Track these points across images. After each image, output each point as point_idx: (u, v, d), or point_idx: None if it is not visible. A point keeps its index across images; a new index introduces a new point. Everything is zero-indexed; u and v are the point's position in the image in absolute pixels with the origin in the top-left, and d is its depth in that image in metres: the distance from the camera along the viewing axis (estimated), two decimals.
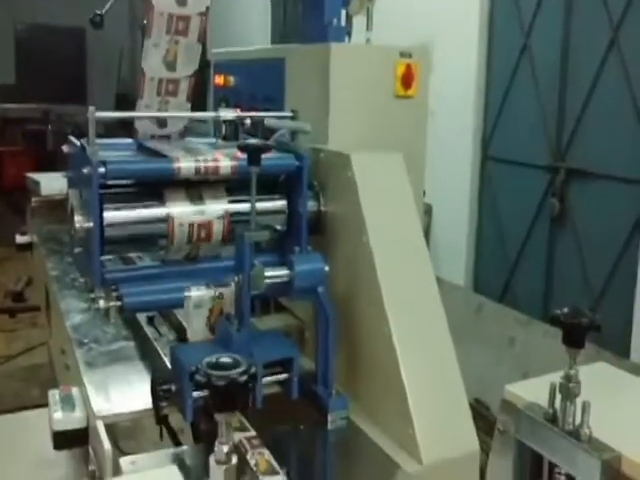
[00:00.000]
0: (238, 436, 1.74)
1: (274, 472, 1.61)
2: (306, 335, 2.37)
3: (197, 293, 1.94)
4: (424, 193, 2.62)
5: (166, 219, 1.97)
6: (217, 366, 1.00)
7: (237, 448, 1.70)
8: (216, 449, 1.00)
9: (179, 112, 2.22)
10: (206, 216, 2.01)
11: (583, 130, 4.52)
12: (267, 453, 1.67)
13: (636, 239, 4.06)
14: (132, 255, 2.37)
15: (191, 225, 1.98)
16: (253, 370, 1.00)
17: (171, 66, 2.13)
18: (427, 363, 1.99)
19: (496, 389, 1.78)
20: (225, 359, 1.03)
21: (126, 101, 11.60)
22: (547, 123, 4.75)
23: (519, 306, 4.74)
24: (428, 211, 5.42)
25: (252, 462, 1.63)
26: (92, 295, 1.89)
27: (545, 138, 4.77)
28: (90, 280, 1.93)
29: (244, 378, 0.98)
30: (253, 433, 1.74)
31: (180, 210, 1.98)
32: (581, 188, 4.53)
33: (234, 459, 1.00)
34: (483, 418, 3.34)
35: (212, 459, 1.00)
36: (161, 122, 2.21)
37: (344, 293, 2.12)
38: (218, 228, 2.03)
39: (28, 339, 5.20)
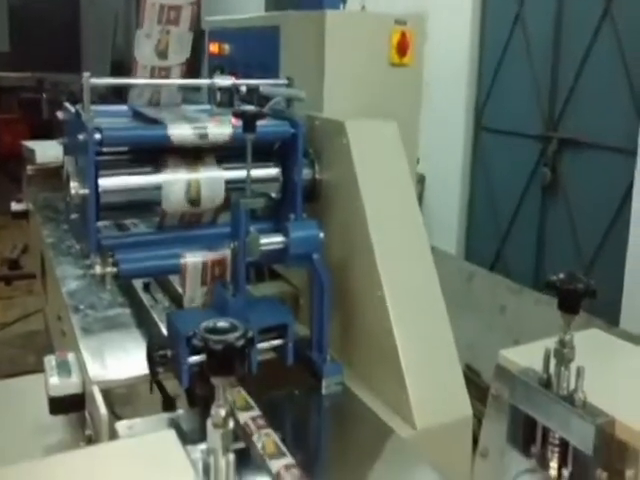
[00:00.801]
0: (244, 417, 1.75)
1: (281, 454, 1.61)
2: (301, 302, 2.38)
3: (192, 259, 1.94)
4: (418, 161, 2.62)
5: (161, 186, 1.96)
6: (214, 330, 1.01)
7: (243, 429, 1.71)
8: (213, 413, 1.01)
9: (174, 80, 2.20)
10: (202, 180, 2.00)
11: (575, 100, 4.52)
12: (273, 434, 1.67)
13: (627, 208, 4.07)
14: (127, 222, 2.37)
15: (187, 187, 1.97)
16: (250, 334, 1.01)
17: (163, 55, 2.13)
18: (421, 328, 2.01)
19: (487, 356, 1.79)
20: (222, 323, 1.03)
21: (121, 68, 11.50)
22: (540, 93, 4.75)
23: (510, 274, 4.77)
24: (421, 180, 5.42)
25: (259, 445, 1.63)
26: (88, 261, 1.89)
27: (538, 108, 4.76)
28: (86, 246, 1.93)
29: (241, 342, 0.98)
30: (258, 412, 1.75)
31: (175, 177, 1.98)
32: (573, 158, 4.54)
33: (231, 423, 1.01)
34: (474, 385, 3.38)
35: (209, 423, 1.01)
36: (154, 103, 2.21)
37: (339, 260, 2.13)
38: (213, 192, 2.02)
39: (24, 306, 5.21)
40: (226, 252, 1.96)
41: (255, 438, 1.65)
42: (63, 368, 2.01)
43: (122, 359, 2.05)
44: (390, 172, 2.17)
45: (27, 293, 5.34)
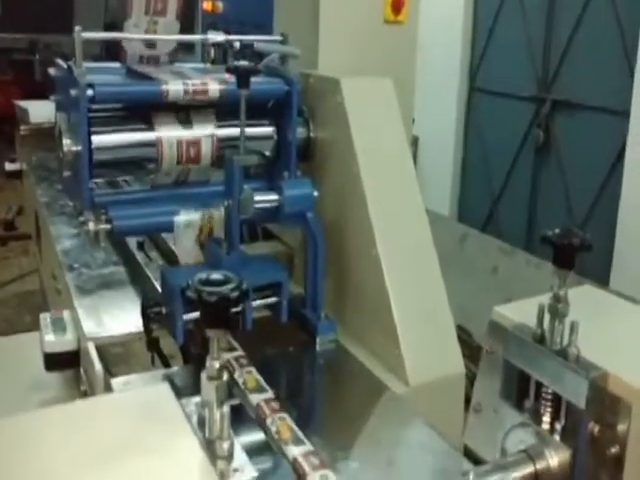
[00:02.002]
0: (226, 356, 1.77)
1: (262, 389, 1.63)
2: (295, 261, 2.38)
3: (186, 217, 1.93)
4: (413, 121, 2.61)
5: (155, 143, 1.95)
6: (208, 282, 1.00)
7: (225, 368, 1.73)
8: (207, 365, 1.01)
9: (168, 36, 2.17)
10: (195, 135, 1.98)
11: (569, 61, 4.50)
12: (254, 371, 1.69)
13: (619, 170, 4.08)
14: (121, 180, 2.35)
15: (180, 143, 1.96)
16: (245, 286, 1.01)
17: (151, 45, 2.12)
18: (414, 286, 2.01)
19: (479, 316, 1.80)
20: (216, 276, 1.03)
21: (114, 29, 11.30)
22: (534, 54, 4.72)
23: (503, 235, 4.78)
24: (414, 142, 5.40)
25: (240, 380, 1.66)
26: (81, 218, 1.88)
27: (532, 69, 4.74)
28: (79, 203, 1.92)
29: (236, 294, 0.98)
30: (241, 353, 1.77)
31: (169, 134, 1.96)
32: (566, 119, 4.53)
33: (225, 375, 1.02)
34: (466, 344, 3.39)
35: (203, 375, 1.01)
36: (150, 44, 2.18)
37: (333, 218, 2.13)
38: (207, 148, 2.01)
39: (20, 267, 5.21)
40: (220, 210, 1.95)
41: (237, 375, 1.69)
42: (58, 325, 2.02)
43: (117, 316, 2.05)
44: (385, 130, 2.15)
45: (22, 254, 5.33)
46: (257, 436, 1.57)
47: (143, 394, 1.16)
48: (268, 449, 1.52)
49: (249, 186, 1.92)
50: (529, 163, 4.75)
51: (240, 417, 1.67)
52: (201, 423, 1.04)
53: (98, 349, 1.89)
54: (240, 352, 1.77)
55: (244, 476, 0.97)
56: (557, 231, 1.33)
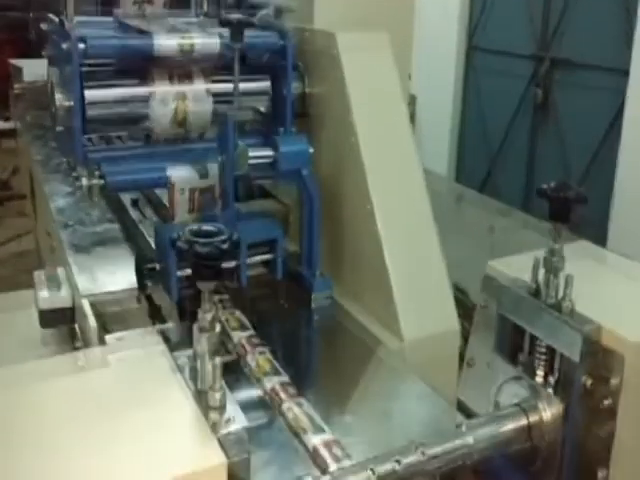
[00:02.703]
0: (238, 336, 1.76)
1: (276, 372, 1.62)
2: (291, 219, 2.37)
3: (180, 173, 1.92)
4: (410, 77, 2.58)
5: (148, 98, 1.92)
6: (199, 234, 0.99)
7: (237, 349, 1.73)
8: (199, 317, 1.00)
9: None
10: (189, 91, 1.96)
11: (569, 19, 4.45)
12: (268, 352, 1.68)
13: (617, 128, 4.05)
14: (115, 137, 2.33)
15: (174, 99, 1.93)
16: (236, 237, 1.00)
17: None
18: (410, 244, 2.00)
19: (474, 275, 1.80)
20: (208, 227, 1.02)
21: None
22: (533, 12, 4.67)
23: (500, 196, 4.77)
24: (412, 101, 5.36)
25: (252, 364, 1.64)
26: (74, 174, 1.86)
27: (531, 27, 4.69)
28: (72, 159, 1.90)
29: (227, 245, 0.97)
30: (252, 332, 1.76)
31: (163, 89, 1.94)
32: (565, 78, 4.49)
33: (217, 327, 1.01)
34: (461, 304, 3.39)
35: (195, 327, 1.01)
36: None
37: (328, 175, 2.12)
38: (201, 104, 1.98)
39: (16, 227, 5.18)
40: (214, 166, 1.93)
41: (249, 358, 1.67)
42: (53, 282, 2.01)
43: (111, 273, 2.04)
44: (381, 84, 2.12)
45: (18, 214, 5.30)
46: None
47: (136, 347, 1.16)
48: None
49: (244, 142, 1.90)
50: (527, 122, 4.72)
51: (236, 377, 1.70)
52: (193, 375, 1.03)
53: (93, 305, 1.88)
54: (251, 331, 1.76)
55: (236, 426, 0.96)
56: (552, 185, 1.32)
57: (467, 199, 4.75)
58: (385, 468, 1.21)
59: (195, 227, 1.01)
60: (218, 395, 0.99)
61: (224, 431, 0.95)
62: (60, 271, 2.06)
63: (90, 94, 1.86)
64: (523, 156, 4.76)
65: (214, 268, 0.98)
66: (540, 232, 1.35)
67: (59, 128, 1.93)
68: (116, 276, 2.02)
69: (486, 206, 4.59)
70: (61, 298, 1.96)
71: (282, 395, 1.53)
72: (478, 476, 1.48)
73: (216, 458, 0.91)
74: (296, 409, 1.48)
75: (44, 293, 1.96)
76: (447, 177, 5.26)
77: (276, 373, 1.62)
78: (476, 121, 5.19)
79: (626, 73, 3.94)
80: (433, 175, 4.93)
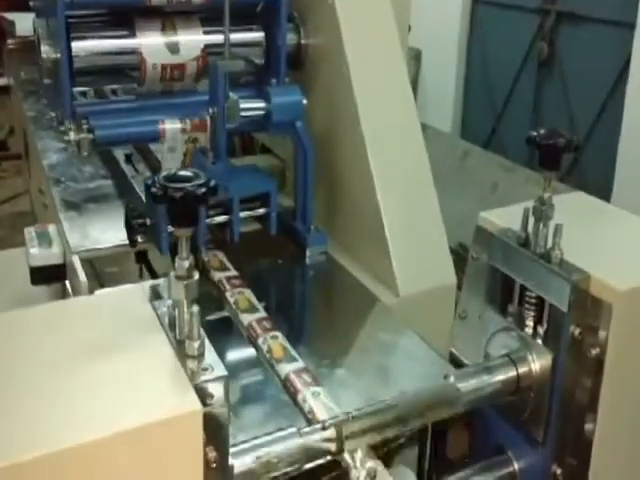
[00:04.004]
0: (218, 275, 1.75)
1: (254, 309, 1.61)
2: (287, 174, 2.34)
3: (171, 126, 1.89)
4: (409, 28, 2.53)
5: (137, 51, 1.89)
6: (175, 179, 0.97)
7: (217, 287, 1.72)
8: (176, 265, 0.98)
9: None
10: (179, 42, 1.92)
11: None
12: (248, 292, 1.67)
13: (623, 84, 3.99)
14: (109, 90, 2.29)
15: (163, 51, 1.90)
16: (213, 183, 0.97)
17: None
18: (406, 197, 1.97)
19: None
20: (184, 172, 0.99)
21: None
22: None
23: (505, 152, 4.73)
24: (417, 56, 5.29)
25: (231, 300, 1.63)
26: (62, 128, 1.84)
27: None
28: (60, 113, 1.88)
29: (202, 190, 0.95)
30: (234, 272, 1.75)
31: (151, 42, 1.90)
32: (570, 31, 4.42)
33: (196, 275, 0.99)
34: (464, 261, 3.38)
35: (172, 275, 0.99)
36: None
37: (324, 130, 2.08)
38: (192, 67, 1.95)
39: (13, 188, 5.15)
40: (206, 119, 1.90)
41: (228, 295, 1.68)
42: (43, 239, 1.99)
43: (103, 229, 2.02)
44: (379, 36, 2.08)
45: (16, 174, 5.27)
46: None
47: (116, 296, 1.14)
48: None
49: (237, 95, 1.87)
50: (532, 78, 4.66)
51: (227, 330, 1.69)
52: (172, 324, 1.02)
53: (84, 262, 1.87)
54: (233, 272, 1.75)
55: (214, 375, 0.95)
56: (542, 132, 1.29)
57: (472, 156, 4.72)
58: (371, 418, 1.20)
59: (170, 172, 0.99)
60: (196, 344, 0.98)
61: (201, 379, 0.94)
62: (51, 228, 2.04)
63: (77, 46, 1.82)
64: (528, 112, 4.70)
65: (189, 213, 0.96)
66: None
67: (47, 81, 1.91)
68: (108, 232, 1.99)
69: (490, 163, 4.56)
70: (52, 255, 1.95)
71: (258, 330, 1.55)
72: (469, 427, 1.48)
73: (191, 406, 0.89)
74: (270, 341, 1.51)
75: (35, 250, 1.94)
76: (452, 134, 5.21)
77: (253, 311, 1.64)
78: (481, 76, 5.12)
79: (632, 26, 3.87)
80: (438, 132, 4.90)
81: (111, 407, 0.89)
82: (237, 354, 1.66)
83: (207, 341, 1.01)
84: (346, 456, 1.20)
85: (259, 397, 1.47)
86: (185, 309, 0.98)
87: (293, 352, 1.49)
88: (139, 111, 1.98)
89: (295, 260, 2.02)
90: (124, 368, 0.96)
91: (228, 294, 1.70)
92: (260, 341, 1.52)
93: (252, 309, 1.64)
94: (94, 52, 1.87)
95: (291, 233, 2.05)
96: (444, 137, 4.96)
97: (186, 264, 0.98)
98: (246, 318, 1.61)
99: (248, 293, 1.70)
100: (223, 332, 1.71)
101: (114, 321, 1.06)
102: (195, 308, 0.98)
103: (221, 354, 1.57)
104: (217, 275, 1.78)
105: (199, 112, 1.92)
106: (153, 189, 0.95)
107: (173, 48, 1.93)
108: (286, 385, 1.39)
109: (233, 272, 1.79)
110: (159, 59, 1.91)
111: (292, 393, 1.36)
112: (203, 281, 1.77)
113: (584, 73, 4.29)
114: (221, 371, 0.96)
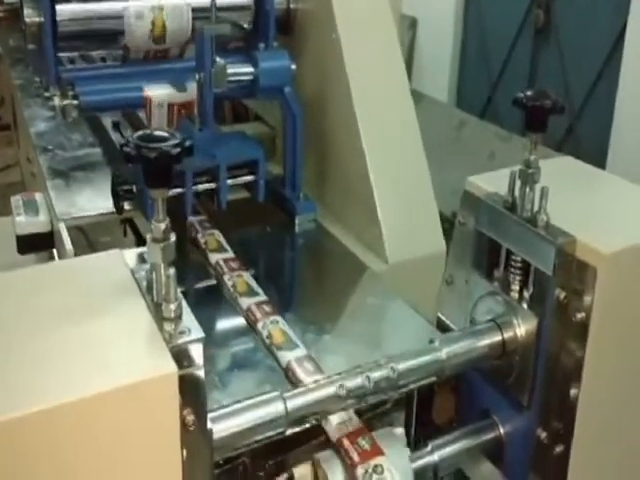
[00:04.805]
0: (215, 257, 1.73)
1: (253, 293, 1.59)
2: (277, 142, 2.32)
3: (157, 92, 1.86)
4: None
5: (123, 14, 1.86)
6: (150, 139, 0.95)
7: (214, 269, 1.70)
8: (152, 227, 0.97)
9: None
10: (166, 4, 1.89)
11: None
12: (246, 275, 1.65)
13: (618, 52, 3.96)
14: (95, 56, 2.27)
15: (150, 13, 1.87)
16: (188, 144, 0.95)
17: None
18: (396, 164, 1.96)
19: None
20: (159, 132, 0.97)
21: None
22: None
23: (501, 122, 4.69)
24: (413, 25, 5.25)
25: (229, 283, 1.61)
26: (46, 94, 1.82)
27: None
28: (45, 79, 1.85)
29: (177, 150, 0.93)
30: (232, 255, 1.73)
31: (137, 3, 1.87)
32: None
33: (172, 237, 0.97)
34: None
35: (148, 237, 0.97)
36: None
37: (313, 95, 2.06)
38: (179, 19, 1.92)
39: (4, 158, 5.09)
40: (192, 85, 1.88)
41: (227, 278, 1.64)
42: (30, 207, 1.98)
43: (90, 197, 2.00)
44: (368, 3, 2.05)
45: (7, 145, 5.20)
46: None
47: (94, 260, 1.13)
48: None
49: (224, 59, 1.84)
50: (528, 46, 4.61)
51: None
52: (149, 288, 1.01)
53: (71, 230, 1.86)
54: (231, 254, 1.73)
55: (191, 337, 0.94)
56: (529, 93, 1.27)
57: (468, 125, 4.69)
58: (355, 382, 1.19)
59: (145, 132, 0.97)
60: (173, 306, 0.97)
61: (178, 342, 0.93)
62: (38, 196, 2.02)
63: (61, 9, 1.79)
64: (524, 81, 4.66)
65: (164, 174, 0.94)
66: (540, 157, 1.31)
67: (31, 47, 1.88)
68: (95, 199, 1.98)
69: (487, 132, 4.54)
70: (39, 223, 1.93)
71: (257, 314, 1.51)
72: (455, 392, 1.47)
73: (167, 368, 0.88)
74: (271, 326, 1.46)
75: (21, 218, 1.92)
76: (448, 103, 5.17)
77: (252, 294, 1.59)
78: (477, 45, 5.07)
79: None
80: (434, 101, 4.87)
81: (85, 370, 0.88)
82: (224, 321, 1.66)
83: (185, 304, 1.00)
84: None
85: (247, 364, 1.46)
86: (162, 272, 0.97)
87: (294, 338, 1.45)
88: (126, 77, 1.95)
89: (284, 228, 2.00)
90: (100, 331, 0.95)
91: (226, 277, 1.65)
92: (260, 326, 1.48)
93: (251, 292, 1.60)
94: (78, 16, 1.84)
95: (280, 201, 2.04)
96: (440, 107, 4.92)
97: (162, 226, 0.97)
98: (245, 302, 1.57)
99: (247, 276, 1.66)
100: (210, 300, 1.71)
101: (91, 285, 1.05)
102: (172, 270, 0.97)
103: (208, 321, 1.62)
104: (214, 257, 1.75)
105: (186, 78, 1.90)
106: (126, 149, 0.93)
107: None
108: (288, 375, 1.36)
109: (231, 254, 1.75)
110: (147, 20, 1.88)
111: (293, 383, 1.33)
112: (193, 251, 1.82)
113: (580, 41, 4.25)
114: (198, 333, 0.95)
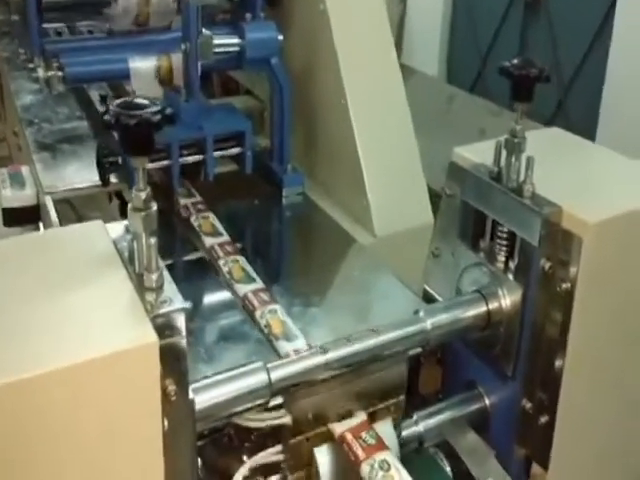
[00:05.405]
0: (210, 242, 1.71)
1: (250, 279, 1.58)
2: (265, 114, 2.30)
3: (143, 63, 1.84)
4: None
5: None
6: (130, 106, 0.94)
7: (209, 253, 1.68)
8: (133, 196, 0.96)
9: None
10: None
11: None
12: (242, 260, 1.63)
13: (608, 26, 3.93)
14: (82, 28, 2.24)
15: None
16: (169, 111, 0.94)
17: None
18: (384, 137, 1.95)
19: None
20: (139, 100, 0.96)
21: None
22: None
23: (491, 96, 4.66)
24: None
25: (225, 269, 1.60)
26: (30, 65, 1.80)
27: None
28: (29, 50, 1.83)
29: (157, 118, 0.91)
30: (228, 238, 1.71)
31: None
32: None
33: (153, 206, 0.96)
34: None
35: (129, 206, 0.96)
36: None
37: (301, 68, 2.05)
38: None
39: None
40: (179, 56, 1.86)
41: (222, 263, 1.63)
42: (16, 180, 1.96)
43: (77, 170, 1.99)
44: None
45: None
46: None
47: (76, 230, 1.12)
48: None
49: (210, 31, 1.82)
50: (518, 20, 4.57)
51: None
52: (131, 258, 1.00)
53: (57, 203, 1.84)
54: (226, 237, 1.71)
55: (172, 307, 0.93)
56: (515, 61, 1.26)
57: (458, 100, 4.67)
58: (339, 353, 1.19)
59: (126, 100, 0.96)
60: (154, 276, 0.96)
61: (159, 311, 0.92)
62: (24, 169, 2.01)
63: None
64: (514, 55, 4.62)
65: (144, 141, 0.93)
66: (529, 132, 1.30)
67: (15, 18, 1.86)
68: (81, 173, 1.96)
69: (477, 107, 4.52)
70: (25, 196, 1.92)
71: (255, 303, 1.49)
72: (441, 364, 1.47)
73: (147, 338, 0.88)
74: (269, 316, 1.44)
75: (7, 191, 1.91)
76: (438, 78, 5.14)
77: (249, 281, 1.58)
78: (467, 19, 5.03)
79: None
80: (424, 76, 4.85)
81: (65, 340, 0.87)
82: (212, 296, 1.66)
83: (167, 273, 0.99)
84: None
85: (234, 337, 1.46)
86: (143, 241, 0.96)
87: (294, 329, 1.42)
88: (111, 49, 1.93)
89: (272, 201, 2.00)
90: (81, 302, 0.94)
91: (221, 262, 1.63)
92: (258, 315, 1.46)
93: (247, 279, 1.58)
94: None
95: (268, 174, 2.03)
96: (430, 81, 4.90)
97: (143, 195, 0.96)
98: (241, 289, 1.54)
99: (242, 261, 1.64)
100: (199, 274, 1.70)
101: (72, 255, 1.04)
102: (153, 240, 0.96)
103: (196, 295, 1.61)
104: (209, 241, 1.72)
105: (172, 50, 1.88)
106: (106, 116, 0.92)
107: None
108: None
109: (226, 237, 1.73)
110: None
111: None
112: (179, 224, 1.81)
113: (570, 15, 4.22)
114: (179, 303, 0.94)
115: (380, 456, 1.15)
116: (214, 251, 1.67)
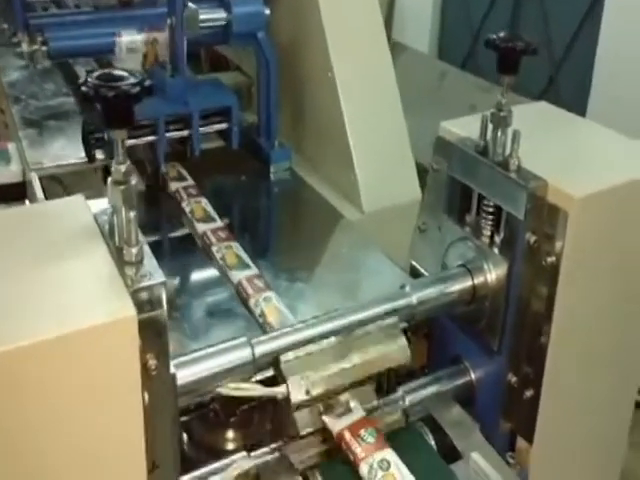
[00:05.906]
0: (202, 228, 1.69)
1: (244, 265, 1.55)
2: (252, 90, 2.28)
3: (128, 38, 1.83)
4: None
5: None
6: (109, 78, 0.92)
7: (202, 239, 1.66)
8: (113, 169, 0.95)
9: None
10: None
11: None
12: (235, 245, 1.61)
13: (600, 3, 3.90)
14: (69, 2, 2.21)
15: None
16: (147, 83, 0.92)
17: None
18: (371, 112, 1.94)
19: None
20: (118, 72, 0.95)
21: None
22: None
23: (482, 73, 4.63)
24: None
25: (218, 255, 1.58)
26: (14, 39, 1.78)
27: None
28: (13, 24, 1.81)
29: (136, 89, 0.90)
30: (221, 224, 1.69)
31: None
32: None
33: (133, 180, 0.95)
34: None
35: (109, 180, 0.95)
36: None
37: (288, 41, 2.03)
38: None
39: None
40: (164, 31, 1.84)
41: (215, 249, 1.61)
42: (2, 157, 1.95)
43: (63, 146, 1.97)
44: None
45: None
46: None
47: (56, 205, 1.11)
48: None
49: (196, 4, 1.80)
50: None
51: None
52: (111, 232, 0.99)
53: (44, 179, 1.83)
54: (219, 223, 1.69)
55: (152, 281, 0.92)
56: (501, 34, 1.25)
57: (449, 76, 4.64)
58: (323, 328, 1.19)
59: (104, 72, 0.94)
60: (134, 250, 0.95)
61: (139, 286, 0.91)
62: (10, 146, 1.99)
63: None
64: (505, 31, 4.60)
65: (123, 113, 0.92)
66: (519, 108, 1.29)
67: None
68: (68, 149, 1.95)
69: (468, 83, 4.48)
70: (11, 173, 1.91)
71: (249, 290, 1.46)
72: (427, 339, 1.47)
73: (125, 311, 0.87)
74: (264, 304, 1.42)
75: None
76: (429, 54, 5.10)
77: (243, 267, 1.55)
78: None
79: None
80: (415, 52, 4.81)
81: (43, 313, 0.86)
82: (198, 271, 1.65)
83: (147, 248, 0.98)
84: None
85: (217, 310, 1.46)
86: (123, 215, 0.95)
87: (291, 317, 1.39)
88: (96, 23, 1.91)
89: (259, 176, 1.99)
90: (60, 275, 0.93)
91: (214, 248, 1.60)
92: (252, 303, 1.44)
93: (241, 265, 1.55)
94: None
95: (255, 149, 2.02)
96: (421, 58, 4.86)
97: (122, 168, 0.95)
98: (235, 275, 1.52)
99: (236, 247, 1.61)
100: (185, 249, 1.70)
101: (52, 230, 1.03)
102: (132, 213, 0.95)
103: (181, 270, 1.61)
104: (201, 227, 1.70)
105: (158, 24, 1.86)
106: (84, 88, 0.90)
107: None
108: None
109: (219, 223, 1.71)
110: None
111: None
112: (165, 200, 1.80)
113: None
114: (159, 277, 0.93)
115: (379, 455, 1.11)
116: (206, 237, 1.65)
